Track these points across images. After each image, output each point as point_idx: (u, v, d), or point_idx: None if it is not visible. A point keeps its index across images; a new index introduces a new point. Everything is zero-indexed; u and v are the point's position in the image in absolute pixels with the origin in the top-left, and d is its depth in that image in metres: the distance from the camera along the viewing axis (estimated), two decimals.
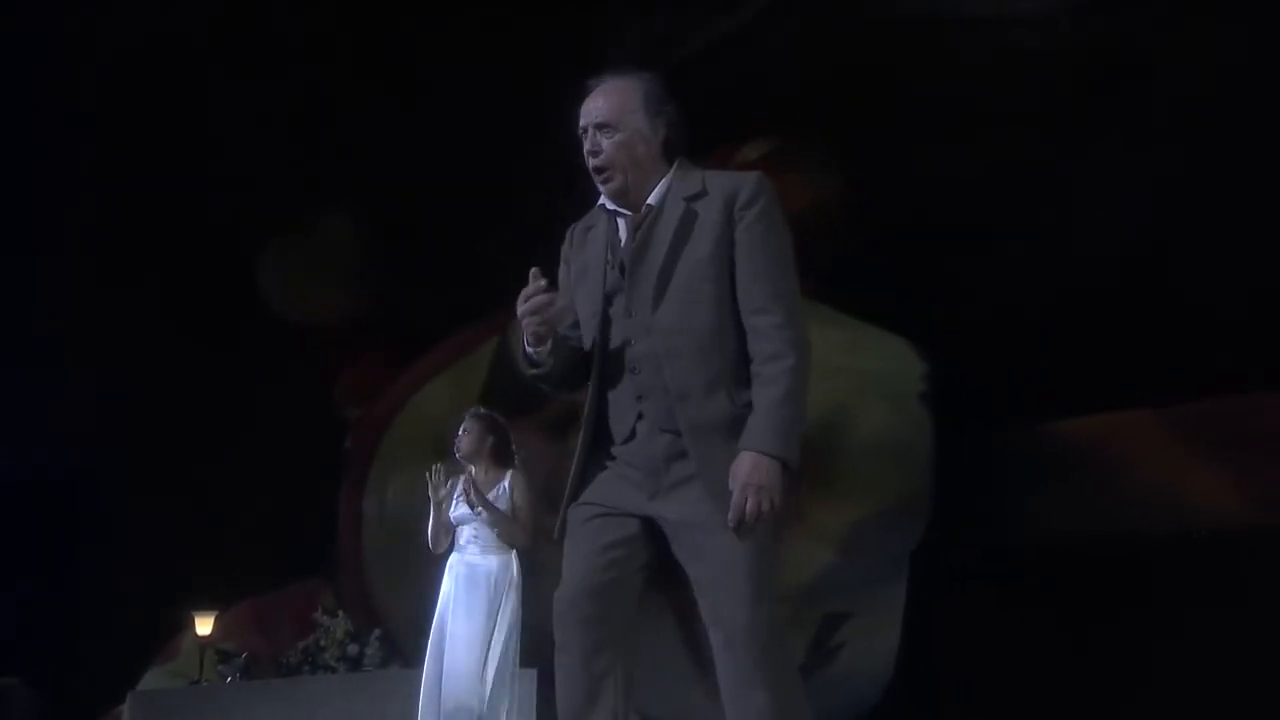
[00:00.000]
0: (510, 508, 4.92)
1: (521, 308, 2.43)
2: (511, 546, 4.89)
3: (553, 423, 7.02)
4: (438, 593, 5.08)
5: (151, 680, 7.56)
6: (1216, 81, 5.48)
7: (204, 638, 6.92)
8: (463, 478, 4.91)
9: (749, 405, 2.42)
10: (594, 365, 2.56)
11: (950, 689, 5.96)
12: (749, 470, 2.34)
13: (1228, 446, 5.84)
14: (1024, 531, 6.16)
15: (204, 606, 7.07)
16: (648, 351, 2.48)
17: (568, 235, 2.74)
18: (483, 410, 5.24)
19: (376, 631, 6.86)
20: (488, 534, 4.89)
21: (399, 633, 7.12)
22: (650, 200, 2.57)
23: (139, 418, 7.81)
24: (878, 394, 6.57)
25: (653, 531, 2.48)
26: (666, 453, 2.46)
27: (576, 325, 2.63)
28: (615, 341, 2.54)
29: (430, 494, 4.94)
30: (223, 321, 8.01)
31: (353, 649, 6.65)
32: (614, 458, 2.53)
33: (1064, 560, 5.96)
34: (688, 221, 2.51)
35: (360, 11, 8.11)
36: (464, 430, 5.06)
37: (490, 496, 4.87)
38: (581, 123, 2.58)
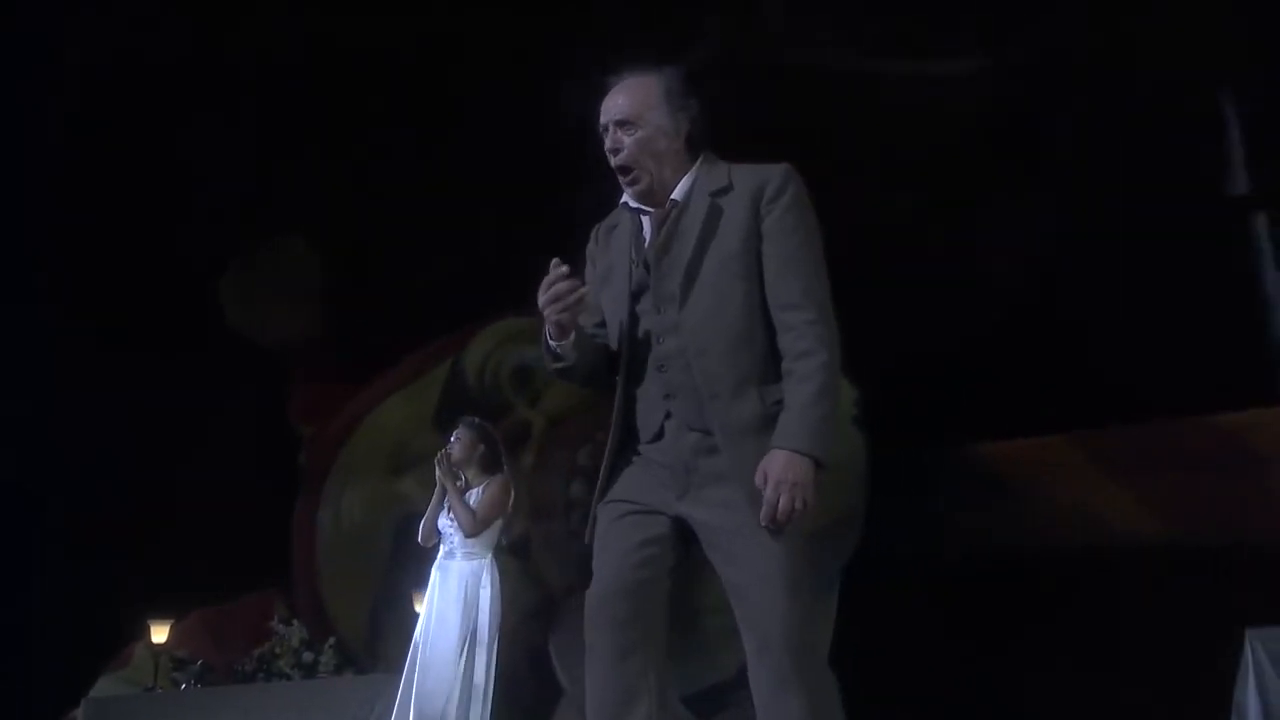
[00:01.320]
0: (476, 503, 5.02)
1: (543, 297, 2.35)
2: (466, 535, 4.97)
3: (506, 441, 7.22)
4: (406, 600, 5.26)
5: (104, 687, 7.56)
6: (1113, 139, 5.89)
7: (159, 645, 6.94)
8: (439, 454, 5.08)
9: (779, 404, 2.36)
10: (621, 363, 2.48)
11: (877, 694, 6.22)
12: (782, 468, 2.27)
13: (1135, 468, 6.19)
14: (951, 546, 6.44)
15: (158, 616, 7.07)
16: (676, 348, 2.41)
17: (592, 234, 2.67)
18: (475, 420, 5.38)
19: (331, 640, 6.91)
20: (465, 541, 4.99)
21: (352, 642, 7.29)
22: (675, 195, 2.49)
23: (97, 429, 7.88)
24: None
25: (682, 532, 2.41)
26: (695, 450, 2.39)
27: (602, 324, 2.56)
28: (643, 339, 2.46)
29: (444, 480, 5.04)
30: (182, 338, 8.10)
31: (308, 657, 6.68)
32: (641, 455, 2.46)
33: (987, 572, 6.24)
34: (714, 217, 2.44)
35: (319, 42, 8.28)
36: (456, 438, 5.18)
37: (469, 498, 5.03)
38: (602, 120, 2.51)
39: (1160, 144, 5.84)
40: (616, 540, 2.41)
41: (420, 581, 6.24)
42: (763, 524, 2.26)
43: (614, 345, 2.51)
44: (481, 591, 4.91)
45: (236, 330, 8.57)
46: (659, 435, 2.43)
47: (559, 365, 2.45)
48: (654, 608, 2.38)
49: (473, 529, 4.96)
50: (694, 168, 2.51)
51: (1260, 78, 5.81)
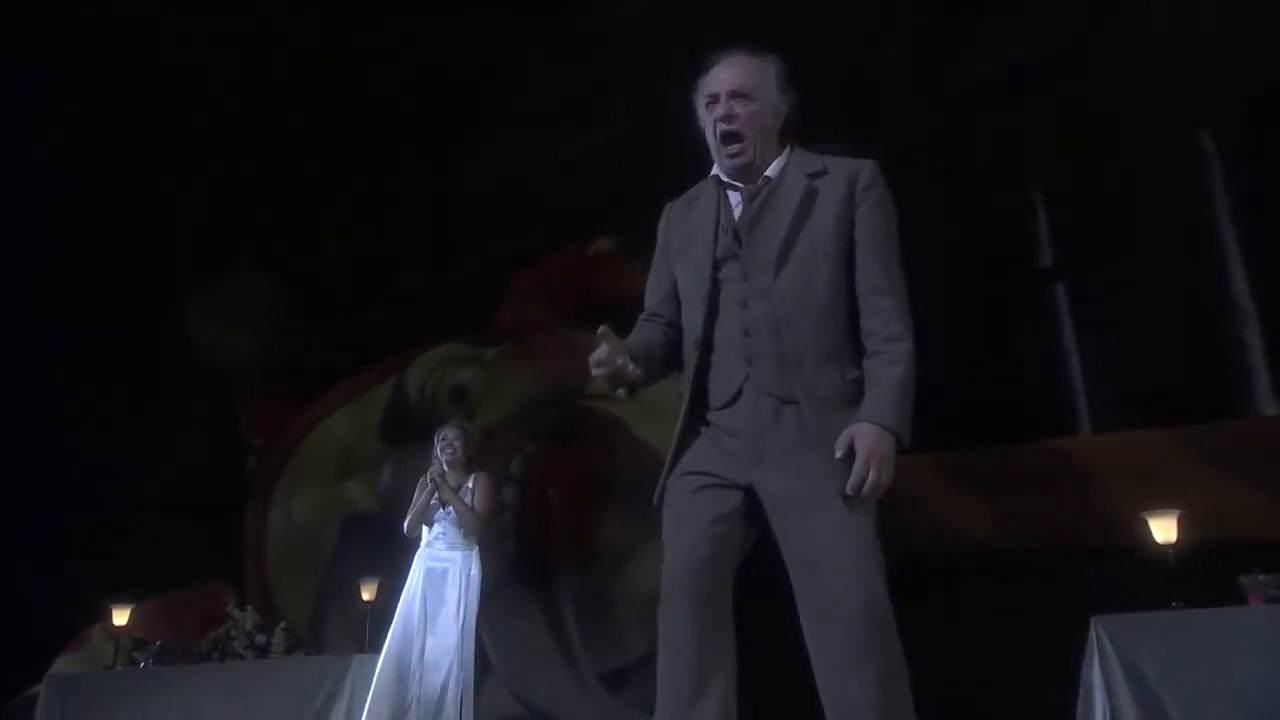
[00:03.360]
0: (471, 502, 5.30)
1: (593, 369, 2.35)
2: (469, 533, 5.26)
3: None
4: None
5: (62, 667, 7.90)
6: (953, 219, 6.76)
7: (120, 628, 7.19)
8: (431, 472, 5.30)
9: (855, 381, 2.36)
10: (699, 329, 2.45)
11: (767, 679, 6.89)
12: (875, 441, 2.25)
13: (988, 486, 6.76)
14: None
15: (115, 602, 7.32)
16: (765, 314, 2.39)
17: (664, 213, 2.68)
18: (463, 423, 5.72)
19: (282, 623, 7.20)
20: (454, 532, 5.27)
21: (297, 628, 7.66)
22: (768, 173, 2.50)
23: (65, 430, 8.48)
24: None
25: (751, 509, 2.36)
26: (771, 418, 2.35)
27: (664, 301, 2.59)
28: (728, 305, 2.44)
29: (434, 478, 5.27)
30: (152, 357, 8.78)
31: (260, 639, 6.88)
32: (710, 424, 2.42)
33: None
34: (810, 196, 2.44)
35: (285, 88, 8.91)
36: (453, 439, 5.44)
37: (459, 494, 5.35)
38: (713, 89, 2.50)
39: (989, 225, 6.69)
40: (691, 515, 2.36)
41: (364, 572, 6.79)
42: (849, 492, 2.23)
43: (687, 315, 2.50)
44: (471, 577, 5.22)
45: (202, 352, 9.12)
46: (735, 399, 2.40)
47: (621, 392, 2.46)
48: (728, 583, 2.33)
49: (478, 526, 5.27)
50: (785, 152, 2.54)
51: (1064, 176, 6.79)
